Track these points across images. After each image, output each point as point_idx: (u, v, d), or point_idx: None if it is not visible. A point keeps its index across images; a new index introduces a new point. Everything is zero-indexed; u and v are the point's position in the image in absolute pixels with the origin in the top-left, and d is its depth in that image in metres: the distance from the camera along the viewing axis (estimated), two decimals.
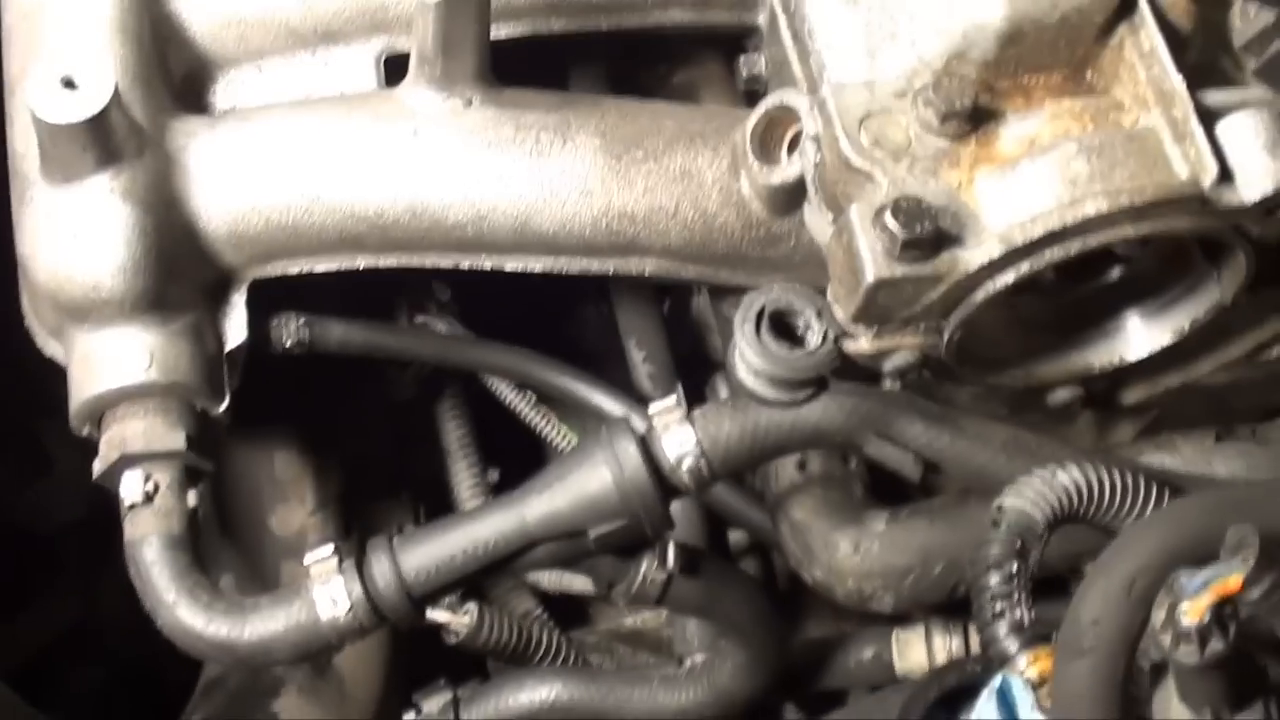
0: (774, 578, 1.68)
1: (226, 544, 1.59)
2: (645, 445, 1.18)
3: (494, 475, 1.65)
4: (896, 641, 1.47)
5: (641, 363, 1.57)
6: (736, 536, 1.67)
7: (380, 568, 1.19)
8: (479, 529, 1.20)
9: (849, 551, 1.32)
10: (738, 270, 1.34)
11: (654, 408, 1.21)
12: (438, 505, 1.65)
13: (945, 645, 1.44)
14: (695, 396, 1.58)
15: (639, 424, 1.22)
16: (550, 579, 1.62)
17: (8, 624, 1.70)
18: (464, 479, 1.63)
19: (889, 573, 1.32)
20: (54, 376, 1.68)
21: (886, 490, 1.40)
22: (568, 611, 1.68)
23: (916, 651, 1.46)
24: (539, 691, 1.41)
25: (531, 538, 1.19)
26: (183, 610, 1.23)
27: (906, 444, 1.22)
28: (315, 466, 1.59)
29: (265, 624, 1.21)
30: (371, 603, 1.19)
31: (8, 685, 1.45)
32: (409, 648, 1.58)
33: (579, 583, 1.61)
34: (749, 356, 1.14)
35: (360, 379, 1.61)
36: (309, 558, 1.22)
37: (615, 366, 1.63)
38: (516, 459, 1.70)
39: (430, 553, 1.20)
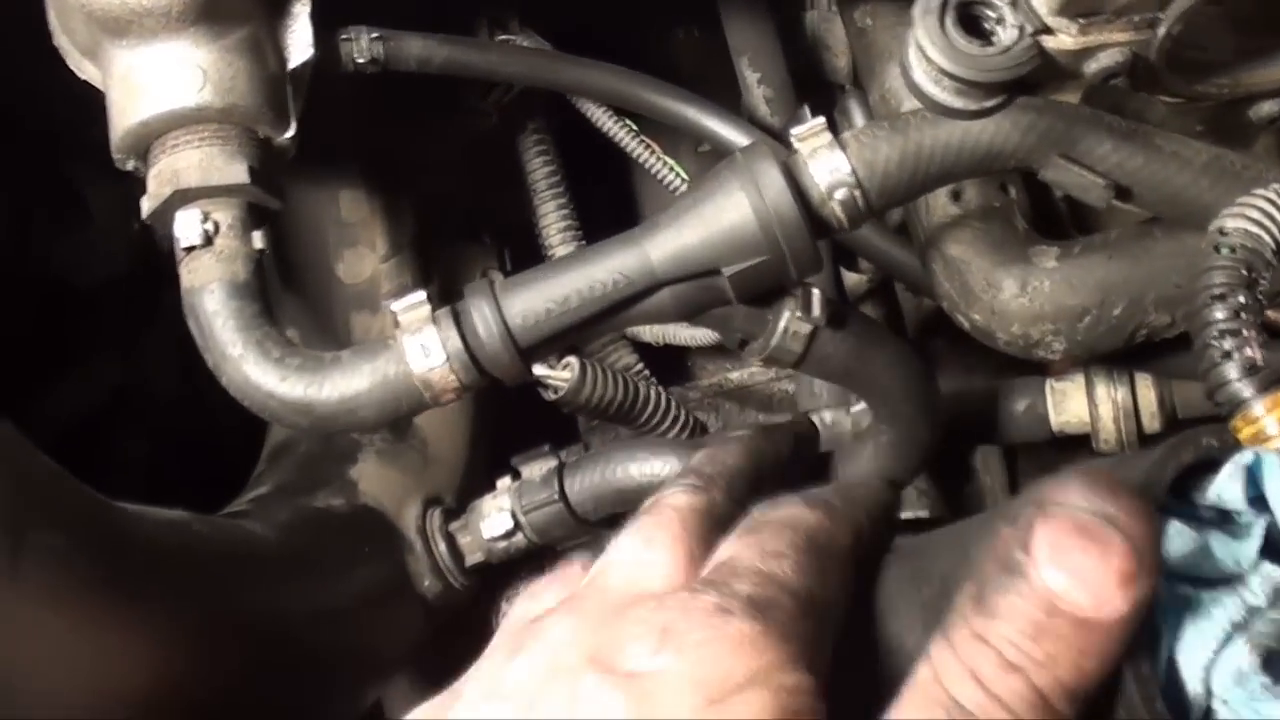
0: (901, 325, 1.52)
1: (289, 296, 1.42)
2: (789, 172, 1.00)
3: None
4: (1051, 392, 1.31)
5: (756, 85, 1.38)
6: (851, 280, 1.51)
7: (480, 314, 1.02)
8: (595, 269, 1.02)
9: (1015, 291, 1.14)
10: None
11: (797, 130, 1.02)
12: (523, 252, 1.49)
13: (1109, 396, 1.28)
14: None
15: (779, 150, 1.03)
16: (652, 331, 1.45)
17: (48, 386, 1.54)
18: (552, 220, 1.45)
19: (1061, 315, 1.14)
20: (86, 113, 1.52)
21: None
22: (668, 366, 1.52)
23: (1075, 403, 1.30)
24: (653, 464, 1.24)
25: (656, 278, 1.01)
26: (251, 366, 1.07)
27: (1093, 165, 1.04)
28: (386, 208, 1.41)
29: (348, 381, 1.04)
30: (471, 355, 1.02)
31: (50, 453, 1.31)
32: (495, 408, 1.43)
33: (684, 335, 1.45)
34: (933, 55, 0.94)
35: (434, 108, 1.43)
36: (397, 305, 1.05)
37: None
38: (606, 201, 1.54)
39: (539, 295, 1.02)
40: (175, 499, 1.18)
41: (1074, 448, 1.41)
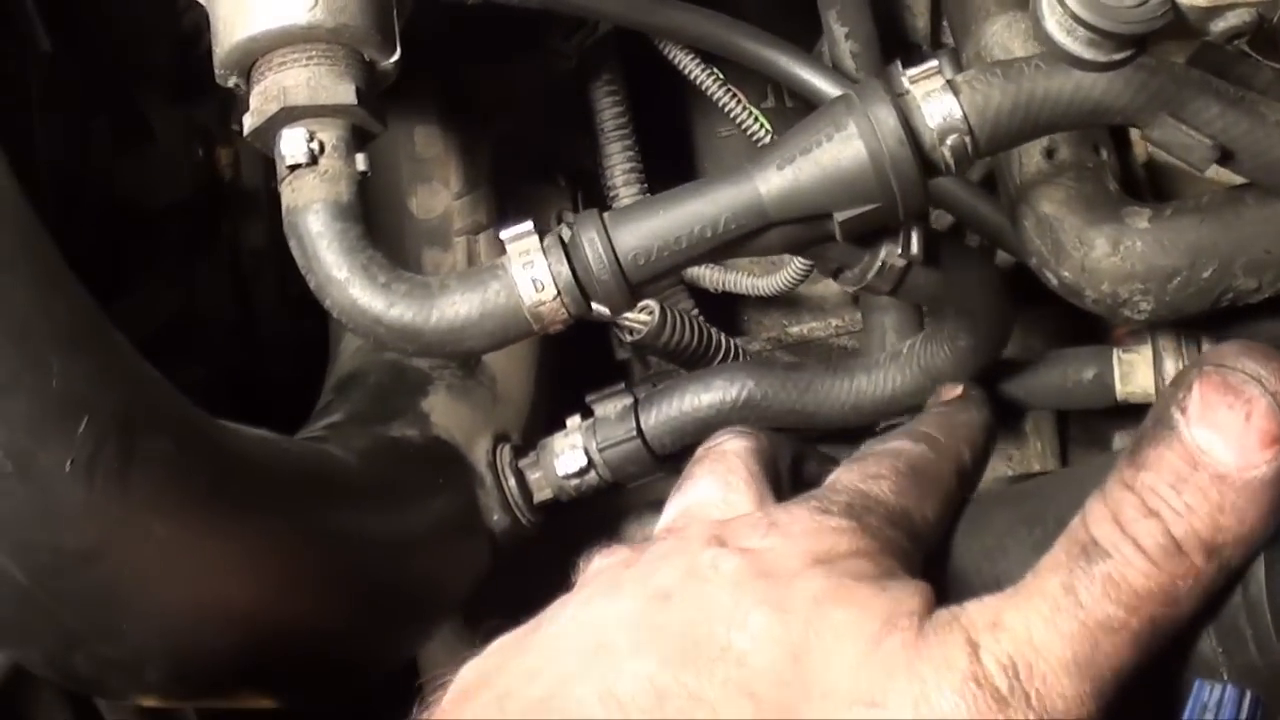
0: None
1: None
2: (902, 114, 1.01)
3: None
4: (1119, 363, 1.32)
5: (844, 39, 1.37)
6: None
7: (592, 248, 1.02)
8: (705, 207, 1.02)
9: (1107, 250, 1.15)
10: None
11: (911, 72, 1.03)
12: (595, 195, 1.49)
13: (1176, 369, 1.29)
14: None
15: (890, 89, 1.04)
16: (712, 278, 1.46)
17: (108, 307, 1.54)
18: (616, 162, 1.46)
19: (1151, 275, 1.15)
20: (155, 40, 1.52)
21: None
22: (723, 316, 1.53)
23: (1142, 375, 1.31)
24: (729, 389, 1.25)
25: (768, 219, 1.02)
26: (358, 290, 1.06)
27: (1199, 128, 1.05)
28: (461, 145, 1.41)
29: (457, 309, 1.04)
30: (581, 288, 1.03)
31: None
32: (558, 354, 1.44)
33: (745, 284, 1.45)
34: (1071, 4, 0.96)
35: (515, 47, 1.43)
36: (505, 233, 1.05)
37: None
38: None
39: (650, 233, 1.02)
40: None
41: (1128, 415, 1.43)
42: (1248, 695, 0.76)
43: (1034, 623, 0.73)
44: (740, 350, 1.38)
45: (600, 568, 0.88)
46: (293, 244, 1.09)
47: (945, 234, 1.13)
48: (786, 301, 1.54)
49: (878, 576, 0.78)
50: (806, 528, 0.81)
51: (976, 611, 0.75)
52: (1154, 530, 0.74)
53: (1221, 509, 0.73)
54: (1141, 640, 0.74)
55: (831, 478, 0.91)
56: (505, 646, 0.83)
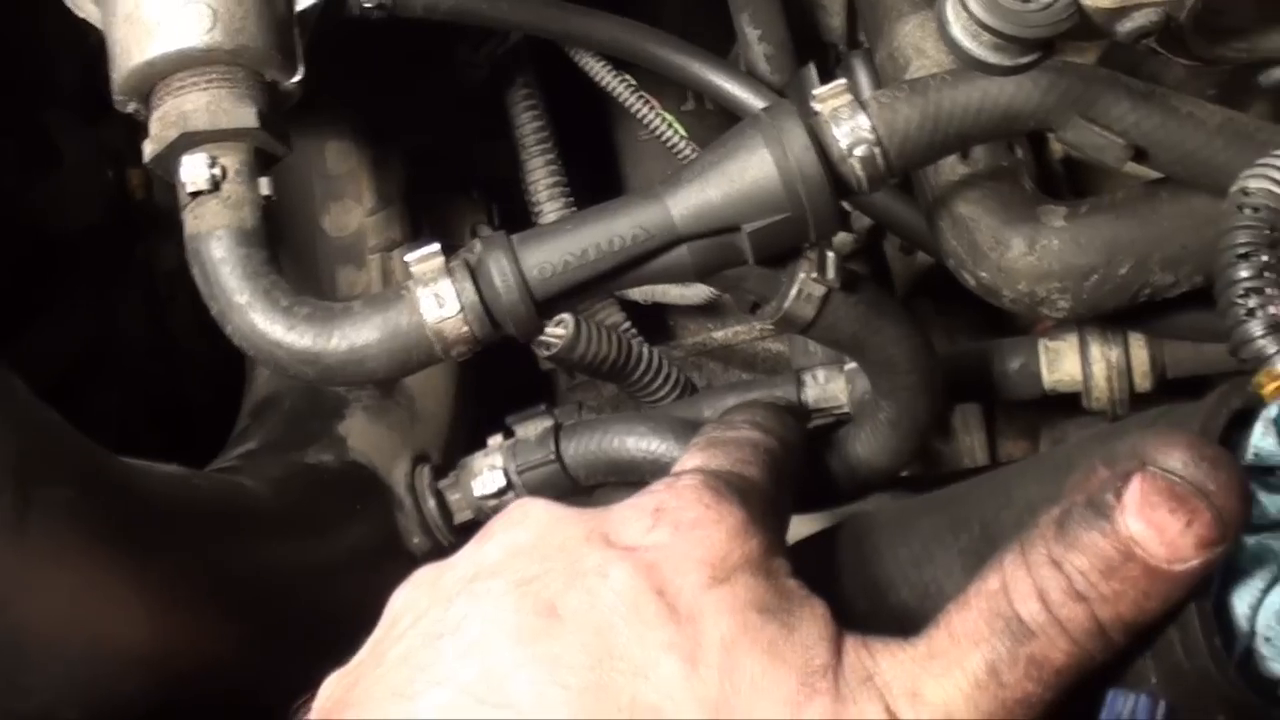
0: (890, 284, 1.52)
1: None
2: (812, 131, 0.99)
3: None
4: (1045, 351, 1.31)
5: (757, 41, 1.36)
6: (838, 239, 1.50)
7: (497, 265, 0.99)
8: (614, 223, 1.01)
9: (1023, 250, 1.14)
10: None
11: (818, 91, 1.02)
12: (511, 208, 1.47)
13: (1103, 355, 1.28)
14: None
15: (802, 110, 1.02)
16: (642, 289, 1.44)
17: (19, 336, 1.51)
18: (540, 176, 1.44)
19: (1068, 273, 1.13)
20: (61, 59, 1.49)
21: None
22: (650, 325, 1.51)
23: (1069, 363, 1.29)
24: (650, 441, 1.22)
25: (676, 233, 1.00)
26: (258, 315, 1.04)
27: (1110, 126, 1.04)
28: (373, 161, 1.39)
29: (358, 331, 1.01)
30: (486, 307, 1.00)
31: None
32: (477, 369, 1.42)
33: (674, 293, 1.44)
34: (974, 9, 0.94)
35: (425, 60, 1.41)
36: (410, 256, 1.02)
37: None
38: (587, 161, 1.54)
39: (557, 248, 1.00)
40: (144, 454, 1.16)
41: (1054, 407, 1.43)
42: (1161, 704, 0.75)
43: (953, 698, 0.73)
44: (667, 363, 1.36)
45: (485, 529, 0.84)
46: (195, 271, 1.07)
47: (866, 276, 1.10)
48: (712, 306, 1.53)
49: (778, 605, 0.76)
50: (696, 517, 0.78)
51: (892, 673, 0.74)
52: (1080, 614, 0.74)
53: (1149, 596, 0.73)
54: (1050, 704, 0.75)
55: (699, 460, 0.90)
56: (369, 661, 0.82)
